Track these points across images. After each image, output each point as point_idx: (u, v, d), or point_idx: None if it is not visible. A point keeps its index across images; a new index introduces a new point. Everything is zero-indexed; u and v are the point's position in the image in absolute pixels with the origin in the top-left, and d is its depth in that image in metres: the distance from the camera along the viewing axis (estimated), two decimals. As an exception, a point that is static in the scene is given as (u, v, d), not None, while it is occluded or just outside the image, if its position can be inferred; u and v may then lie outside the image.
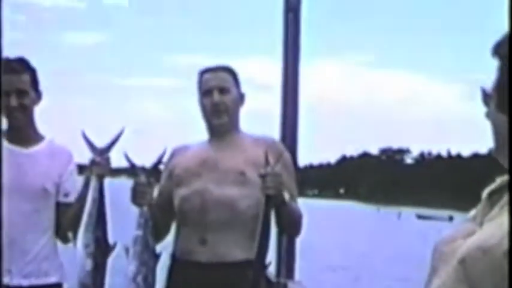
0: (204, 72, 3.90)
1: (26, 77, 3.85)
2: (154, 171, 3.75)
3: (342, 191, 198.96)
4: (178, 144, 3.97)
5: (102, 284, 3.55)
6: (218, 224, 3.69)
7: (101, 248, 3.53)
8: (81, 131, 3.67)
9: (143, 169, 3.68)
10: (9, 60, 3.83)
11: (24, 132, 3.93)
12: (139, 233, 3.56)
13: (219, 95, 3.81)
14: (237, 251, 3.69)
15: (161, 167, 3.87)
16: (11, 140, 3.89)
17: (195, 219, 3.73)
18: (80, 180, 3.79)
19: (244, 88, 3.93)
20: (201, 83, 3.88)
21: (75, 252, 3.56)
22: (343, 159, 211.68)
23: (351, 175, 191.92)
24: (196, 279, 3.68)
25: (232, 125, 3.88)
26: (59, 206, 3.92)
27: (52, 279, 3.92)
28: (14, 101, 3.81)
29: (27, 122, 3.92)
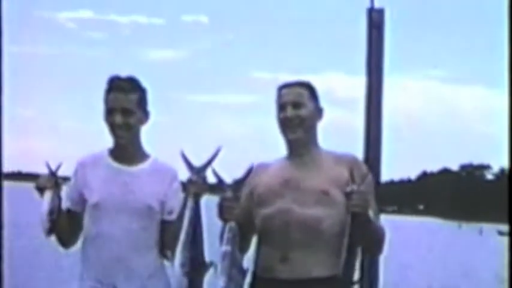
0: (281, 87, 3.91)
1: (133, 96, 3.87)
2: (238, 186, 3.74)
3: (421, 207, 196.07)
4: (258, 162, 3.95)
5: None
6: (301, 243, 3.69)
7: (196, 268, 3.54)
8: (180, 150, 3.69)
9: (229, 185, 3.67)
10: (119, 79, 3.90)
11: (129, 151, 3.95)
12: (228, 248, 3.56)
13: (292, 110, 3.81)
14: (319, 269, 3.68)
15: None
16: (117, 159, 3.95)
17: (277, 238, 3.74)
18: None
19: (324, 103, 3.92)
20: (278, 98, 3.90)
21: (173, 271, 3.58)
22: (424, 175, 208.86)
23: (430, 191, 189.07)
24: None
25: (309, 139, 3.87)
26: (163, 223, 3.90)
27: None
28: (118, 119, 3.84)
29: (132, 141, 3.93)
